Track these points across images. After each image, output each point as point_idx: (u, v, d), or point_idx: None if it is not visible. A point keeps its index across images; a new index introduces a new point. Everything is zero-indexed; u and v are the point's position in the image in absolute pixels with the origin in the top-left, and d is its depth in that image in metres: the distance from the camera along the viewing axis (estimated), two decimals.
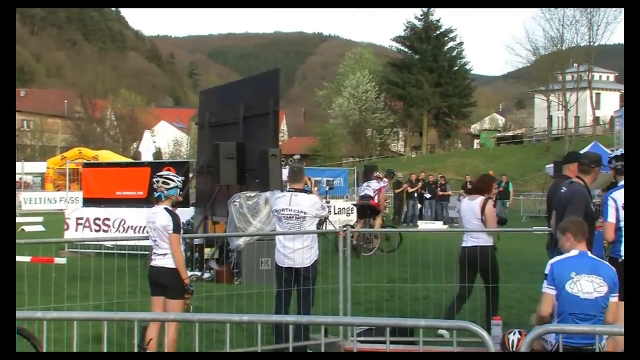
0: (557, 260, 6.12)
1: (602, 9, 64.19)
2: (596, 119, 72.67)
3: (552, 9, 65.98)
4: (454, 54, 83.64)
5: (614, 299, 5.91)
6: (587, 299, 5.81)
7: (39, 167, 45.34)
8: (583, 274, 5.89)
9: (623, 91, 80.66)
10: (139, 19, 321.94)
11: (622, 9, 61.26)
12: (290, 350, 5.24)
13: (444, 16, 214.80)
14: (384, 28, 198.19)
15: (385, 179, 19.03)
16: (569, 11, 66.14)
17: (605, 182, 31.04)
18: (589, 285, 5.84)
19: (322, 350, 6.68)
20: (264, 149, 13.13)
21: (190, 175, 17.75)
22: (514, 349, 6.34)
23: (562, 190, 7.67)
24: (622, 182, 7.09)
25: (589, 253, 6.10)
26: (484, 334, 4.29)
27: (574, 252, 6.05)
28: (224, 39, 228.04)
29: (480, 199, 9.13)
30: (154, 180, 7.62)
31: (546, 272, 6.06)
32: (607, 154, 31.12)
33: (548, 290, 5.99)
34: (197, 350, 6.36)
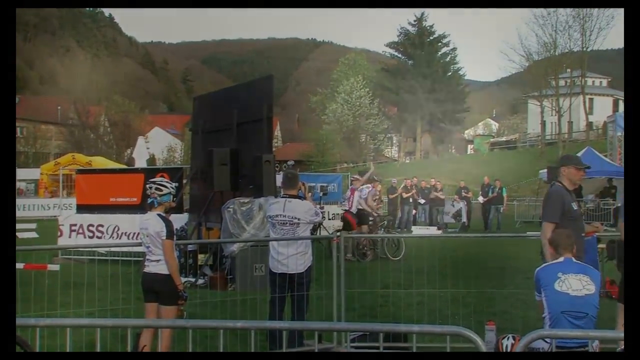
0: (542, 266, 6.20)
1: (595, 14, 64.43)
2: (589, 124, 72.87)
3: (545, 14, 66.22)
4: (448, 59, 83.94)
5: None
6: (578, 296, 5.83)
7: (33, 173, 45.24)
8: (570, 274, 5.93)
9: (616, 96, 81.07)
10: (133, 25, 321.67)
11: (616, 13, 61.84)
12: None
13: (438, 22, 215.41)
14: (378, 34, 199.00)
15: (353, 180, 19.16)
16: (562, 16, 66.44)
17: (599, 188, 31.29)
18: (577, 283, 5.87)
19: None
20: (257, 155, 13.13)
21: (184, 181, 17.73)
22: None
23: None
24: None
25: (574, 259, 6.15)
26: (478, 339, 4.29)
27: (559, 259, 6.13)
28: (218, 45, 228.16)
29: None
30: (147, 186, 7.61)
31: (534, 280, 6.12)
32: (601, 159, 31.06)
33: (539, 298, 6.04)
34: None
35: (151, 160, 74.61)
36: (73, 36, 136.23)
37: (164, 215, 7.48)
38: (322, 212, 12.86)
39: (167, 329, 6.95)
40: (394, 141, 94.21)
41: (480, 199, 29.25)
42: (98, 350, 4.87)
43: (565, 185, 7.55)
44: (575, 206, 7.53)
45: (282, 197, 8.81)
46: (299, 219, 8.52)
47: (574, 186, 7.65)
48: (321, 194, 22.58)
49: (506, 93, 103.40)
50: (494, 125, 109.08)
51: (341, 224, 22.39)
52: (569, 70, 70.45)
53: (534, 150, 70.72)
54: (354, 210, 18.35)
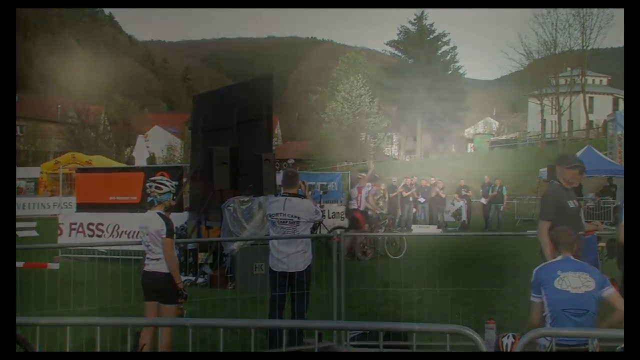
0: (541, 266, 6.20)
1: (595, 13, 64.48)
2: (589, 123, 72.85)
3: (545, 13, 66.27)
4: (448, 58, 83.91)
5: (610, 290, 5.90)
6: (577, 294, 5.82)
7: (33, 172, 45.22)
8: (569, 272, 5.93)
9: (616, 95, 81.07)
10: (133, 24, 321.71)
11: (616, 12, 61.86)
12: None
13: (438, 21, 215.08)
14: (378, 33, 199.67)
15: (360, 178, 19.14)
16: (562, 15, 66.46)
17: (599, 186, 31.29)
18: (576, 281, 5.87)
19: None
20: (257, 154, 13.14)
21: (184, 180, 17.73)
22: None
23: None
24: None
25: (572, 257, 6.14)
26: (478, 337, 4.29)
27: (558, 258, 6.13)
28: (218, 43, 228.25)
29: None
30: (147, 185, 7.61)
31: (532, 280, 6.11)
32: (601, 158, 31.02)
33: (535, 299, 6.03)
34: None
35: (151, 158, 74.74)
36: (73, 35, 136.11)
37: (164, 213, 7.48)
38: (322, 211, 12.85)
39: (167, 327, 6.95)
40: (394, 140, 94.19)
41: (483, 200, 29.12)
42: (98, 349, 4.86)
43: (562, 184, 7.60)
44: (571, 204, 7.55)
45: (282, 195, 8.80)
46: (299, 218, 8.52)
47: (571, 185, 7.68)
48: (321, 193, 22.58)
49: (506, 91, 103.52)
50: (494, 124, 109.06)
51: (341, 222, 22.44)
52: (569, 68, 70.44)
53: (534, 148, 70.61)
54: (362, 208, 18.34)
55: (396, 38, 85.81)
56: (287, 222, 8.54)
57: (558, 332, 5.36)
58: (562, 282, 5.87)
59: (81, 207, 18.36)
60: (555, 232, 6.48)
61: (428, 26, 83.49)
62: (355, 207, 18.58)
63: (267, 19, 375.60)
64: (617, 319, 5.80)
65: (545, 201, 7.60)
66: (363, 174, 19.43)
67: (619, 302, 5.86)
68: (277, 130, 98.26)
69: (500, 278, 11.59)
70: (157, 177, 7.84)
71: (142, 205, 13.71)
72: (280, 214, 8.58)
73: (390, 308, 10.27)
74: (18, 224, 24.64)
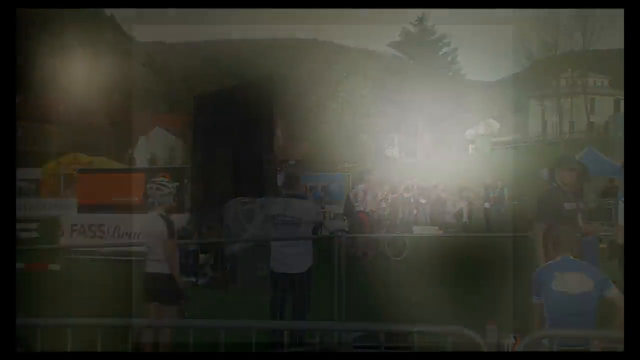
0: (541, 267, 6.21)
1: (596, 14, 64.52)
2: (590, 124, 72.83)
3: (547, 14, 66.30)
4: (449, 59, 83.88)
5: (610, 291, 5.86)
6: (575, 294, 5.82)
7: (33, 173, 45.18)
8: (567, 272, 5.93)
9: (617, 96, 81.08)
10: (134, 25, 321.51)
11: (617, 13, 61.86)
12: None
13: (439, 22, 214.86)
14: (379, 34, 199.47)
15: (365, 180, 19.10)
16: (564, 16, 66.53)
17: (600, 187, 31.22)
18: (574, 281, 5.87)
19: None
20: (258, 155, 13.13)
21: (185, 181, 17.72)
22: None
23: None
24: None
25: (572, 257, 6.15)
26: (478, 339, 4.29)
27: (557, 259, 6.14)
28: (218, 44, 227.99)
29: None
30: (148, 186, 7.63)
31: (532, 282, 6.12)
32: (602, 159, 31.00)
33: (536, 300, 6.04)
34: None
35: (152, 159, 74.77)
36: (73, 35, 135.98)
37: (165, 215, 7.49)
38: (323, 212, 12.87)
39: (167, 328, 6.96)
40: (395, 141, 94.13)
41: (487, 205, 28.97)
42: (99, 350, 4.87)
43: (560, 186, 7.62)
44: (568, 206, 7.56)
45: (283, 196, 8.81)
46: (300, 219, 8.52)
47: (569, 187, 7.69)
48: (322, 194, 22.59)
49: (507, 93, 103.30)
50: (496, 125, 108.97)
51: (342, 223, 22.41)
52: (570, 69, 70.44)
53: (535, 150, 70.60)
54: (367, 210, 18.35)
55: (397, 39, 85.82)
56: (288, 223, 8.54)
57: (558, 333, 5.36)
58: (559, 283, 5.88)
59: (82, 208, 18.37)
60: (555, 233, 6.49)
61: (429, 27, 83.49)
62: (361, 208, 18.56)
63: (268, 19, 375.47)
64: (618, 321, 5.79)
65: (542, 203, 7.65)
66: (368, 177, 19.42)
67: (619, 304, 5.85)
68: (278, 131, 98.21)
69: (501, 279, 11.59)
70: (158, 179, 7.84)
71: (143, 207, 13.75)
72: (282, 215, 8.58)
73: (390, 309, 10.27)
74: (19, 225, 24.67)
